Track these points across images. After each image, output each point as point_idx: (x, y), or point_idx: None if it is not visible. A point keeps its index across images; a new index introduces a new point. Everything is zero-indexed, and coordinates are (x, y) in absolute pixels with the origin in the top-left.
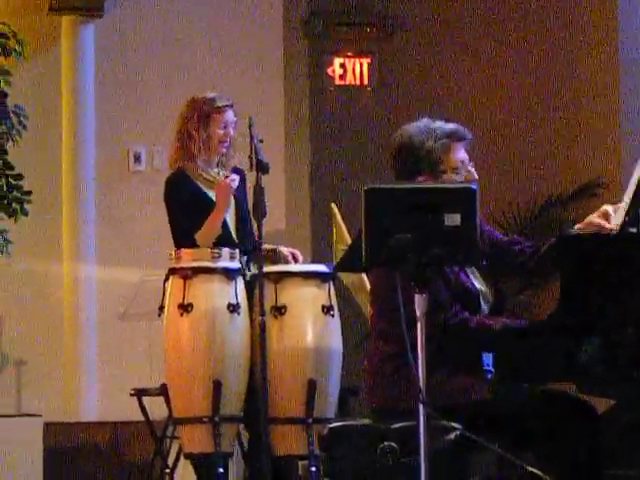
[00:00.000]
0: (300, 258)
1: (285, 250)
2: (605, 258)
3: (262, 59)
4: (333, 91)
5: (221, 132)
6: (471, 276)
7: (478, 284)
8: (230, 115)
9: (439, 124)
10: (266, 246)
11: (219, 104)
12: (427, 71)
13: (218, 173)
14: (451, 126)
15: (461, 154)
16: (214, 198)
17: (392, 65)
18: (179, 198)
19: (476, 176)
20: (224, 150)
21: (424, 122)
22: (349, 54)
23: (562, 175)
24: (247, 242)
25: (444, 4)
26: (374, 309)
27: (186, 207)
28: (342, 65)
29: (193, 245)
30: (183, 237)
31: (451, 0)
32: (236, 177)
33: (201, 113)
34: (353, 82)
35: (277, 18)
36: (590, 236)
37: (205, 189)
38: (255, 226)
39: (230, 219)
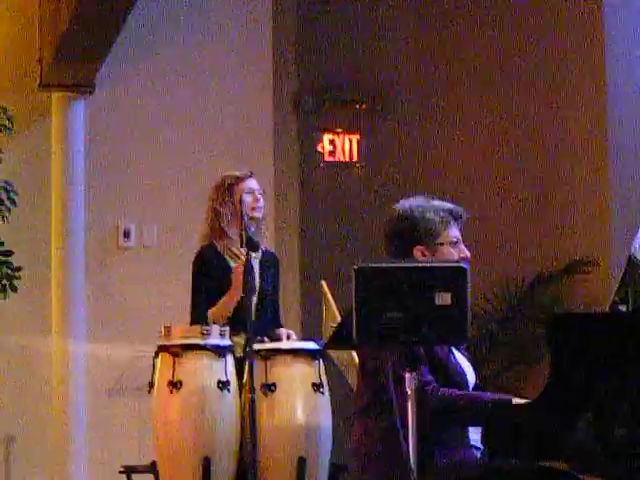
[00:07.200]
0: (294, 338)
1: (282, 331)
2: (596, 336)
3: (252, 135)
4: (323, 167)
5: (249, 198)
6: (455, 354)
7: (462, 363)
8: (253, 182)
9: (436, 201)
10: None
11: (238, 174)
12: (416, 148)
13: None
14: (449, 204)
15: (457, 232)
16: None
17: (381, 142)
18: (202, 273)
19: (469, 254)
20: (259, 215)
21: (421, 198)
22: (338, 130)
23: (552, 253)
24: (264, 323)
25: (433, 81)
26: (362, 384)
27: (207, 283)
28: (332, 141)
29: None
30: (199, 311)
31: (440, 75)
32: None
33: (224, 188)
34: (342, 159)
35: (267, 94)
36: (581, 315)
37: (233, 264)
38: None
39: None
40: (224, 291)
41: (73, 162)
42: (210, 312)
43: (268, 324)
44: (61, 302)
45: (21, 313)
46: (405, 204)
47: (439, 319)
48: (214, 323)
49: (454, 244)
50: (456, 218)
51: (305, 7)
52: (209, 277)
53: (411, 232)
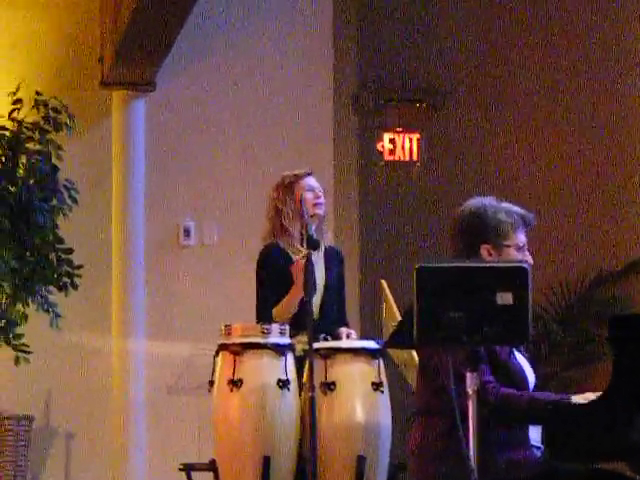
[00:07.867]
0: (353, 337)
1: (342, 330)
2: None
3: (312, 134)
4: (383, 166)
5: (310, 195)
6: (515, 354)
7: (522, 363)
8: (312, 180)
9: (506, 204)
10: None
11: (297, 172)
12: (476, 146)
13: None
14: (519, 208)
15: (524, 237)
16: None
17: (441, 140)
18: (267, 270)
19: (532, 261)
20: (320, 212)
21: (492, 199)
22: (398, 129)
23: (612, 252)
24: (329, 321)
25: (493, 78)
26: (421, 384)
27: (272, 280)
28: (392, 140)
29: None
30: (264, 310)
31: (500, 74)
32: (313, 256)
33: (284, 186)
34: (402, 157)
35: (327, 93)
36: None
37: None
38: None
39: (316, 296)
40: (289, 288)
41: (133, 160)
42: (274, 310)
43: (333, 321)
44: (121, 300)
45: (81, 311)
46: (477, 202)
47: (500, 319)
48: (278, 322)
49: (520, 248)
50: (526, 224)
51: (365, 7)
52: (274, 274)
53: (481, 230)
